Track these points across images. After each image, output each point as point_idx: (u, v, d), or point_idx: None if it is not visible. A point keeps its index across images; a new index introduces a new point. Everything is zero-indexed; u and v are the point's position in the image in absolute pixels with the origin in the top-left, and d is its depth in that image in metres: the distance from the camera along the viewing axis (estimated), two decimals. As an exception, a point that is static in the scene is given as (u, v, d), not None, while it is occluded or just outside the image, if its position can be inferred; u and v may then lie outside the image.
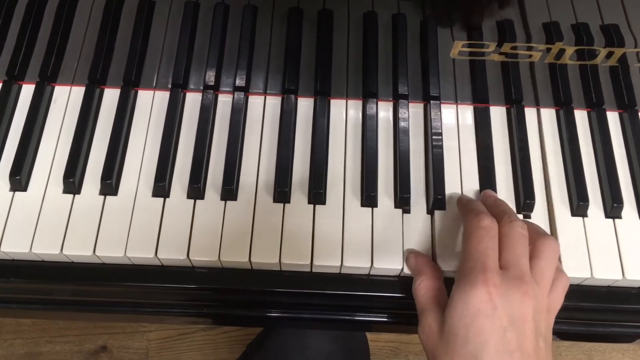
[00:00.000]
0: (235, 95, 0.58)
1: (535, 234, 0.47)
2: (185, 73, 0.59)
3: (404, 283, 0.53)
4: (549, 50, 0.51)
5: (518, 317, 0.42)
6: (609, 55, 0.51)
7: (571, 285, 0.48)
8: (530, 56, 0.52)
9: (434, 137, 0.57)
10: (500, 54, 0.52)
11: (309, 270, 0.53)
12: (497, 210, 0.50)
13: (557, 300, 0.47)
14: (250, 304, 0.57)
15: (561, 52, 0.51)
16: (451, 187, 0.55)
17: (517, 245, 0.46)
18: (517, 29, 0.51)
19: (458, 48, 0.52)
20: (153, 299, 0.56)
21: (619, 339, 0.58)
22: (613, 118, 0.59)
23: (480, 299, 0.42)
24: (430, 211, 0.54)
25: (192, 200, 0.54)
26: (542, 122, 0.59)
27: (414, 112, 0.59)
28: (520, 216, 0.54)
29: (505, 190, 0.56)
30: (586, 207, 0.54)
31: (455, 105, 0.59)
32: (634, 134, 0.57)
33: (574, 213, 0.55)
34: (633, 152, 0.57)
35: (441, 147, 0.56)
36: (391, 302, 0.54)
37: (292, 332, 0.78)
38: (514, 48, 0.51)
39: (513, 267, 0.44)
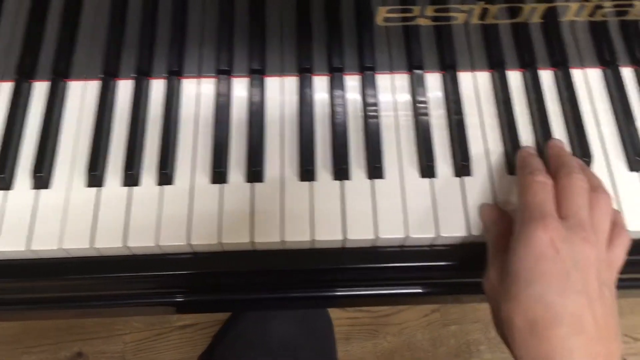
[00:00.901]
0: (169, 80, 0.58)
1: (590, 186, 0.47)
2: (116, 60, 0.58)
3: (350, 252, 0.53)
4: (472, 11, 0.51)
5: (581, 261, 0.42)
6: (533, 11, 0.51)
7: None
8: (456, 18, 0.51)
9: (368, 107, 0.57)
10: (426, 17, 0.51)
11: (251, 248, 0.52)
12: (558, 162, 0.50)
13: (619, 255, 0.46)
14: (196, 289, 0.56)
15: (485, 11, 0.50)
16: (390, 156, 0.55)
17: (575, 196, 0.45)
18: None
19: (383, 14, 0.51)
20: (94, 291, 0.54)
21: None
22: (548, 76, 0.60)
23: (542, 243, 0.42)
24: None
25: (127, 188, 0.53)
26: (479, 86, 0.59)
27: (350, 85, 0.59)
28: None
29: (442, 156, 0.55)
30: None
31: (390, 75, 0.59)
32: (567, 91, 0.57)
33: (511, 172, 0.55)
34: (567, 109, 0.57)
35: (377, 117, 0.56)
36: (338, 273, 0.54)
37: (254, 318, 0.78)
38: (439, 10, 0.51)
39: (573, 216, 0.44)
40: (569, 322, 0.40)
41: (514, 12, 0.52)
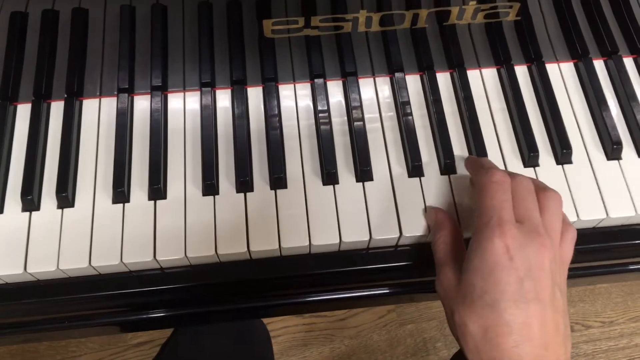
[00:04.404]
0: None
1: (537, 188, 0.48)
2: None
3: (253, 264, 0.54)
4: (356, 19, 0.51)
5: (535, 268, 0.43)
6: (416, 16, 0.52)
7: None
8: (342, 27, 0.52)
9: (271, 118, 0.57)
10: (312, 28, 0.52)
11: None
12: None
13: (568, 252, 0.47)
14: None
15: (369, 19, 0.51)
16: (292, 163, 0.56)
17: (527, 200, 0.46)
18: (320, 1, 0.51)
19: (269, 27, 0.52)
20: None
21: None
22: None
23: (498, 251, 0.42)
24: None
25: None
26: (378, 92, 0.60)
27: (252, 96, 0.59)
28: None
29: (345, 164, 0.56)
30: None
31: (293, 85, 0.60)
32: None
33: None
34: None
35: (278, 128, 0.57)
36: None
37: (188, 337, 0.77)
38: (324, 21, 0.51)
39: (527, 220, 0.45)
40: (519, 330, 0.41)
41: (399, 19, 0.53)
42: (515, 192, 0.46)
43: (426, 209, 0.53)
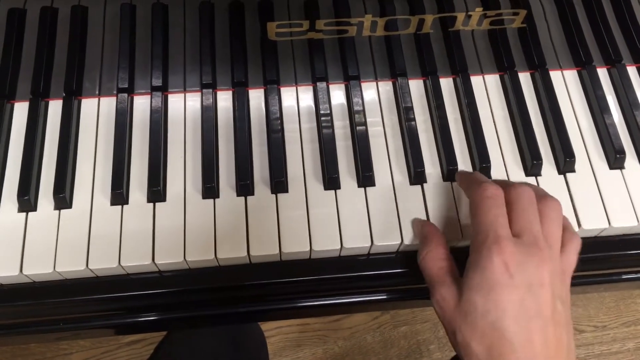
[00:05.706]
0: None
1: (537, 196, 0.47)
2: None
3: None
4: (361, 23, 0.51)
5: (535, 284, 0.42)
6: (421, 22, 0.52)
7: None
8: (347, 31, 0.52)
9: (272, 121, 0.56)
10: (317, 31, 0.51)
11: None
12: (498, 181, 0.49)
13: (571, 261, 0.47)
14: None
15: (374, 24, 0.51)
16: (293, 169, 0.55)
17: (527, 210, 0.45)
18: (324, 4, 0.50)
19: (273, 29, 0.51)
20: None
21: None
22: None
23: (497, 270, 0.42)
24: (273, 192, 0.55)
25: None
26: (380, 94, 0.60)
27: (254, 98, 0.59)
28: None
29: (346, 168, 0.56)
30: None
31: (295, 88, 0.59)
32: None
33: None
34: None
35: (279, 131, 0.56)
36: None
37: (183, 339, 0.77)
38: (328, 24, 0.51)
39: (526, 233, 0.44)
40: (522, 347, 0.41)
41: (404, 24, 0.53)
42: (516, 203, 0.46)
43: (413, 221, 0.52)
